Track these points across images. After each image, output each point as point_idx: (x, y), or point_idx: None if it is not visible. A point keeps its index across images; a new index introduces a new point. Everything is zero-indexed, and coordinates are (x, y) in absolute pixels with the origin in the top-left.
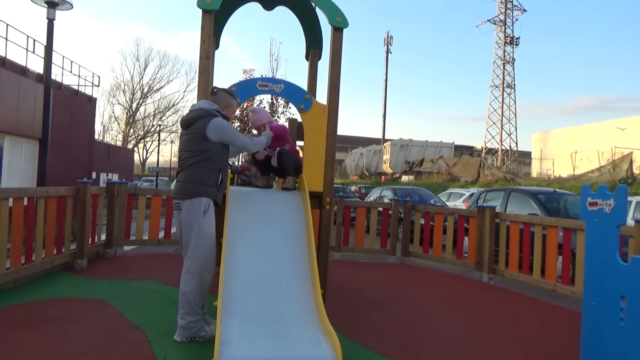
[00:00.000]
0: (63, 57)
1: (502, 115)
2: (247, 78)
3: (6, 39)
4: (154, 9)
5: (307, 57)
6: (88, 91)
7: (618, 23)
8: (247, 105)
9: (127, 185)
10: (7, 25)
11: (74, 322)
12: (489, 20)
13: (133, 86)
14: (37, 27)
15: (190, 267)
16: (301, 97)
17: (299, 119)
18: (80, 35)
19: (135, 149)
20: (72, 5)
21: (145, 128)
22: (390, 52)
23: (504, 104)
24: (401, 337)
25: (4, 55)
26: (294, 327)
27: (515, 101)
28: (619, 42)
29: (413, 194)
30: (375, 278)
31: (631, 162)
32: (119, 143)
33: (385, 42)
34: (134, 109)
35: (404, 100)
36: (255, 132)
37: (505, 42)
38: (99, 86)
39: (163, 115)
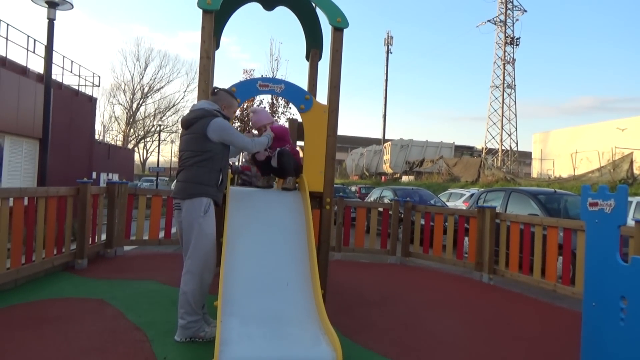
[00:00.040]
0: (63, 57)
1: (503, 115)
2: (248, 78)
3: (7, 38)
4: (154, 9)
5: (307, 57)
6: (88, 91)
7: (618, 23)
8: (247, 106)
9: (127, 185)
10: (8, 25)
11: (74, 322)
12: (489, 21)
13: (133, 86)
14: (37, 27)
15: (191, 267)
16: (301, 97)
17: (299, 119)
18: (80, 35)
19: (136, 149)
20: (72, 5)
21: (146, 128)
22: (391, 52)
23: (504, 104)
24: (401, 337)
25: (4, 55)
26: (294, 327)
27: (515, 101)
28: (619, 42)
29: (413, 194)
30: (376, 278)
31: (631, 163)
32: (119, 143)
33: (386, 42)
34: (134, 109)
35: (404, 100)
36: (255, 132)
37: (506, 43)
38: (99, 86)
39: (163, 116)
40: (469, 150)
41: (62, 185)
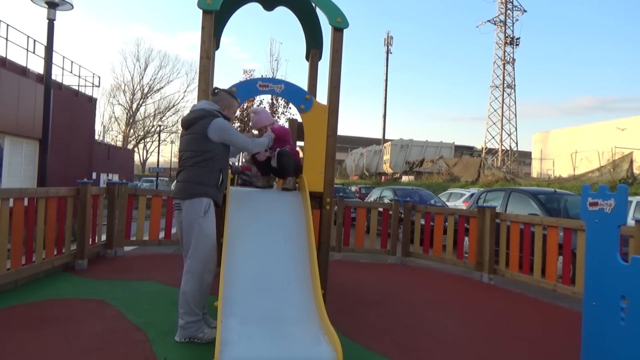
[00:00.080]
0: (63, 57)
1: (502, 115)
2: (248, 78)
3: (6, 39)
4: (154, 9)
5: (307, 58)
6: (88, 91)
7: (618, 23)
8: (247, 106)
9: (127, 185)
10: (8, 25)
11: (74, 323)
12: (489, 21)
13: (133, 86)
14: (37, 28)
15: (191, 267)
16: (301, 98)
17: (299, 119)
18: (80, 36)
19: (136, 149)
20: (72, 5)
21: (146, 128)
22: (391, 53)
23: (504, 104)
24: (401, 337)
25: (4, 56)
26: (295, 327)
27: (515, 101)
28: (619, 42)
29: (413, 194)
30: (376, 278)
31: (631, 162)
32: (119, 143)
33: (386, 42)
34: (134, 110)
35: (404, 100)
36: (255, 132)
37: (506, 43)
38: (99, 86)
39: (163, 116)
40: (469, 150)
41: (62, 186)
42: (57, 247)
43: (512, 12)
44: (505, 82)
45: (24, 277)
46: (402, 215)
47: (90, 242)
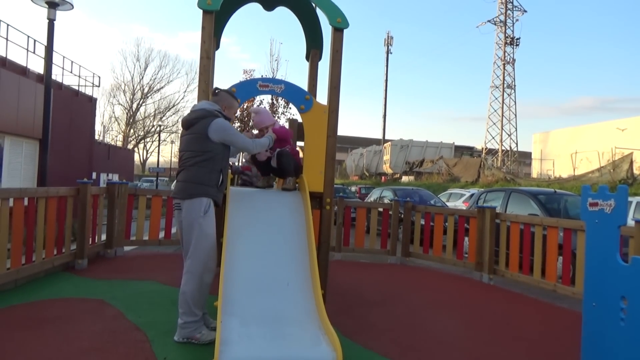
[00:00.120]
0: (63, 57)
1: (502, 115)
2: (248, 78)
3: (7, 39)
4: (154, 9)
5: (307, 58)
6: (88, 91)
7: (618, 23)
8: (247, 106)
9: (127, 185)
10: (8, 25)
11: (74, 322)
12: (489, 21)
13: (133, 86)
14: (37, 28)
15: (191, 267)
16: (301, 98)
17: (300, 120)
18: (80, 36)
19: (136, 149)
20: (72, 5)
21: (146, 128)
22: (391, 53)
23: (504, 105)
24: (401, 337)
25: (4, 56)
26: (295, 327)
27: (515, 102)
28: (619, 42)
29: (413, 194)
30: (376, 278)
31: (631, 163)
32: (119, 143)
33: (386, 42)
34: (134, 109)
35: (404, 100)
36: (255, 131)
37: (506, 43)
38: (99, 86)
39: (163, 116)
40: (469, 151)
41: (62, 186)
42: (57, 247)
43: (512, 12)
44: (505, 82)
45: (24, 276)
46: (402, 216)
47: (90, 242)
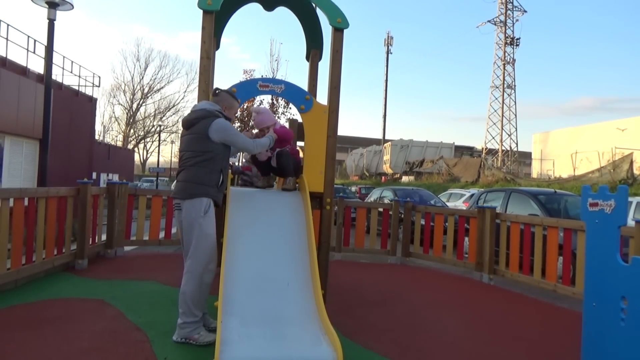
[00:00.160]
0: (63, 57)
1: (503, 115)
2: (248, 78)
3: (7, 39)
4: (154, 9)
5: (307, 58)
6: (88, 91)
7: (618, 23)
8: (247, 106)
9: (127, 185)
10: (8, 25)
11: (75, 322)
12: (489, 21)
13: (133, 86)
14: (37, 28)
15: (190, 267)
16: (302, 98)
17: (300, 120)
18: (80, 36)
19: (136, 149)
20: (72, 5)
21: (146, 128)
22: (391, 53)
23: (504, 105)
24: (401, 337)
25: (4, 56)
26: (295, 327)
27: (515, 102)
28: (619, 42)
29: (413, 194)
30: (376, 278)
31: (631, 163)
32: (119, 143)
33: (386, 42)
34: (134, 110)
35: (404, 100)
36: (254, 131)
37: (506, 43)
38: (99, 86)
39: (163, 116)
40: (469, 151)
41: (62, 186)
42: (57, 247)
43: (512, 13)
44: (505, 82)
45: (24, 276)
46: (402, 216)
47: (90, 242)
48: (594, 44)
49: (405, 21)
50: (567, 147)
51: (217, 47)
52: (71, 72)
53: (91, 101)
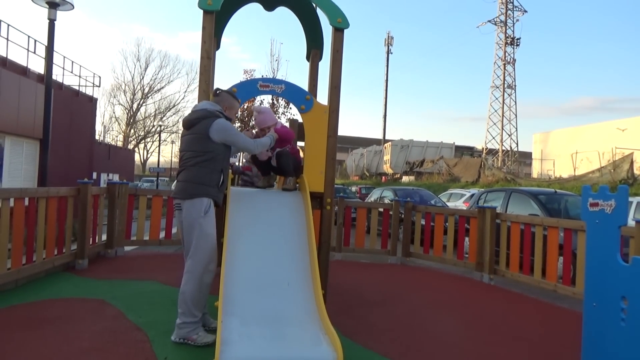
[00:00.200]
0: (64, 57)
1: (503, 115)
2: (248, 78)
3: (7, 39)
4: (154, 9)
5: (307, 58)
6: (89, 91)
7: (618, 23)
8: (248, 106)
9: (127, 185)
10: (8, 25)
11: (75, 322)
12: (489, 21)
13: (134, 86)
14: (38, 28)
15: (191, 267)
16: (302, 98)
17: (300, 120)
18: (80, 36)
19: (136, 149)
20: (73, 5)
21: (146, 128)
22: (391, 52)
23: (505, 105)
24: (402, 337)
25: (5, 56)
26: (295, 327)
27: (515, 102)
28: (619, 42)
29: (414, 194)
30: (376, 278)
31: (632, 163)
32: (120, 143)
33: (386, 42)
34: (134, 110)
35: (404, 100)
36: (254, 131)
37: (506, 43)
38: (99, 86)
39: (164, 116)
40: (469, 151)
41: (62, 186)
42: (57, 247)
43: (513, 13)
44: (505, 82)
45: (25, 276)
46: (403, 216)
47: (90, 242)
48: (594, 43)
49: (405, 21)
50: (568, 147)
51: (218, 47)
52: (71, 72)
53: (91, 101)
